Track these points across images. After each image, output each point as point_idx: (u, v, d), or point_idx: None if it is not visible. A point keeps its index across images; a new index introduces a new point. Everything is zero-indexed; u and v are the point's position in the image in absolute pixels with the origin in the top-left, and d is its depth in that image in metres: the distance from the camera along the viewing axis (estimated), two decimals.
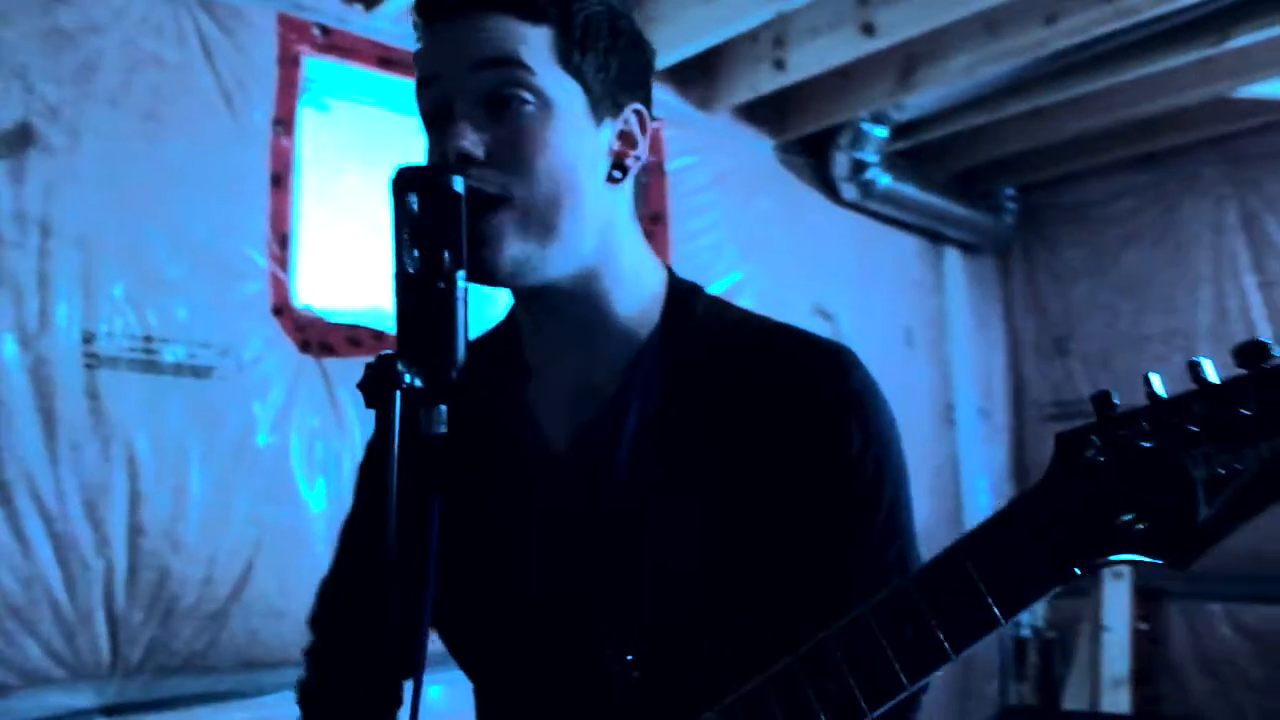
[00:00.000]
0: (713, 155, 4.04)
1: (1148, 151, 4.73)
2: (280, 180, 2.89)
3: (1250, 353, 0.79)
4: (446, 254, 0.95)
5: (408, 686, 1.34)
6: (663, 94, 3.88)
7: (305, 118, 3.05)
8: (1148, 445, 0.83)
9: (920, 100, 4.05)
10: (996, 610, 0.86)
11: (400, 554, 1.22)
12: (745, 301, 4.04)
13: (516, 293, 1.18)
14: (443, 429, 0.94)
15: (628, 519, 1.11)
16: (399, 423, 0.90)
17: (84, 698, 2.46)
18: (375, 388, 0.91)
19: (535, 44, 1.07)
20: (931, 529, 1.34)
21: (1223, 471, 0.80)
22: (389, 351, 0.93)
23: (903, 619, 0.89)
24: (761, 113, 4.20)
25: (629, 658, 1.08)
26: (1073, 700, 4.70)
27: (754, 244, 4.13)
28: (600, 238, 1.13)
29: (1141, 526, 0.83)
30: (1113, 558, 0.85)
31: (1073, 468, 0.86)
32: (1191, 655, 4.69)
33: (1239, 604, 4.60)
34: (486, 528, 1.18)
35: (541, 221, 1.08)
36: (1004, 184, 5.07)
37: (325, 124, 3.18)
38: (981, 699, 4.78)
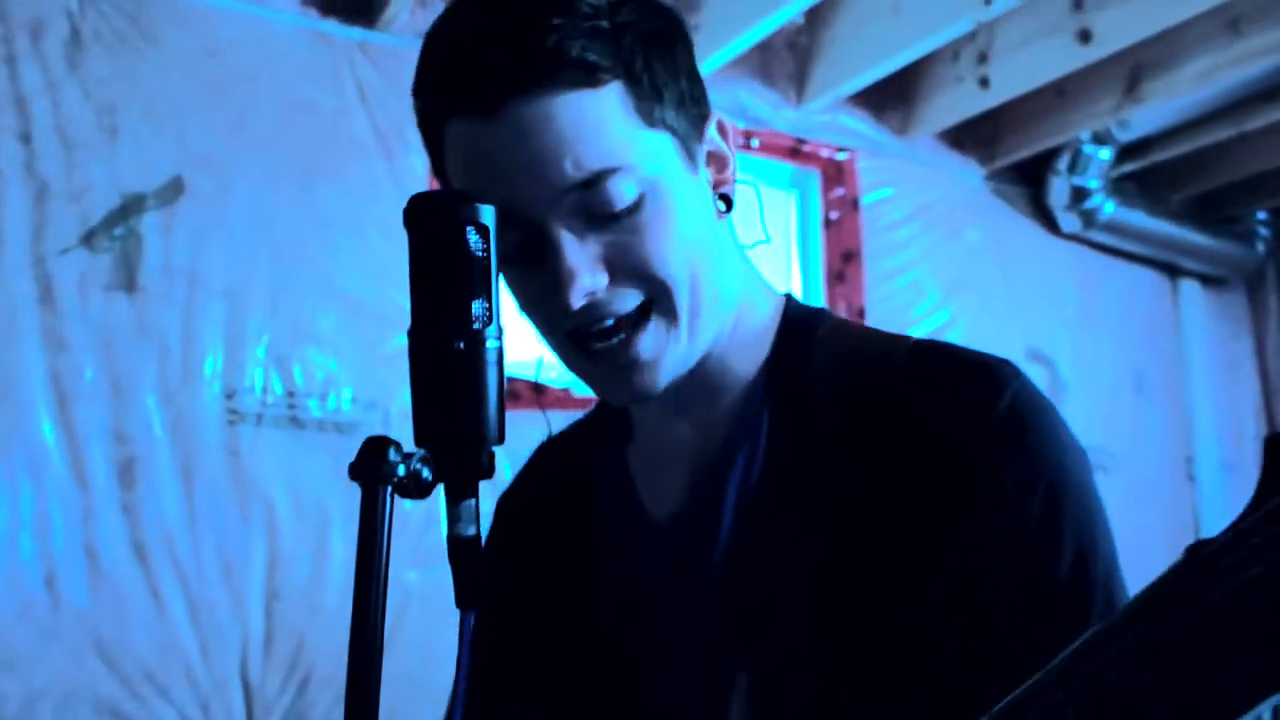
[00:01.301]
0: (913, 186, 3.71)
1: None
2: None
3: None
4: (473, 306, 0.75)
5: None
6: (856, 121, 3.59)
7: None
8: None
9: (1149, 115, 3.59)
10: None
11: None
12: None
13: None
14: (472, 530, 0.75)
15: (730, 608, 0.90)
16: (388, 523, 0.70)
17: None
18: (363, 480, 0.70)
19: (613, 118, 0.83)
20: None
21: None
22: (380, 435, 0.72)
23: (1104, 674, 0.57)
24: (968, 138, 3.84)
25: None
26: None
27: (961, 282, 3.77)
28: (726, 291, 0.92)
29: None
30: None
31: None
32: None
33: None
34: (588, 618, 0.99)
35: (690, 321, 0.88)
36: (1253, 207, 4.48)
37: None
38: None
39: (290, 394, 2.48)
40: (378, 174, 2.72)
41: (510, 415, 2.23)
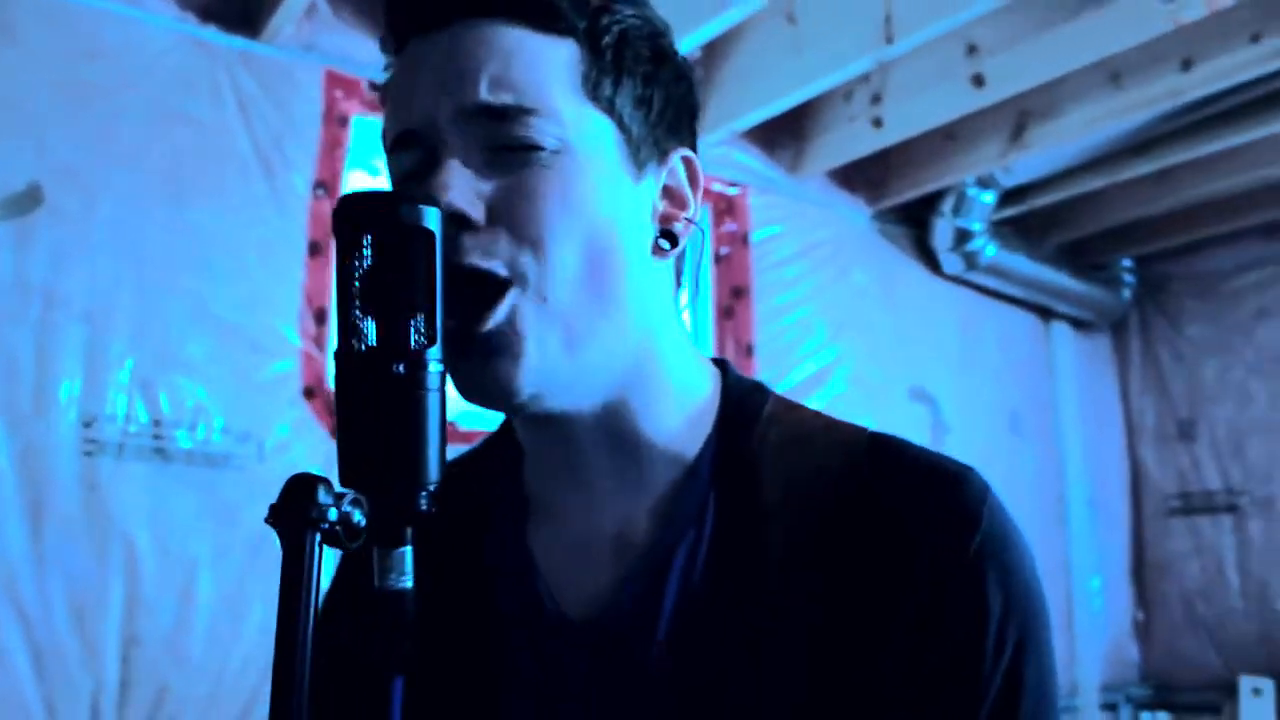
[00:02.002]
0: (803, 224, 3.72)
1: None
2: (318, 249, 2.63)
3: None
4: (413, 324, 0.65)
5: None
6: (748, 157, 3.59)
7: (352, 182, 2.79)
8: None
9: (1031, 163, 3.68)
10: None
11: None
12: (839, 385, 3.68)
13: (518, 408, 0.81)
14: (406, 582, 0.65)
15: (673, 710, 0.78)
16: (314, 575, 0.59)
17: None
18: (285, 525, 0.59)
19: (553, 67, 0.76)
20: None
21: None
22: (305, 472, 0.61)
23: None
24: (857, 177, 3.88)
25: None
26: None
27: (847, 321, 3.78)
28: (640, 331, 0.82)
29: None
30: None
31: None
32: None
33: None
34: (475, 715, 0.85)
35: (568, 315, 0.76)
36: (1120, 254, 4.65)
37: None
38: None
39: (156, 423, 2.30)
40: (257, 192, 2.56)
41: None
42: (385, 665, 0.64)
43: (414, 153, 0.77)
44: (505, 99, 0.74)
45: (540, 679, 0.83)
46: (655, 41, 0.83)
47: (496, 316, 0.73)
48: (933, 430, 3.91)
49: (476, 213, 0.73)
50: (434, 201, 0.67)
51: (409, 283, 0.65)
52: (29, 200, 2.23)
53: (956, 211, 3.89)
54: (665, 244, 0.83)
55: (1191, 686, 4.57)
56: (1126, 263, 4.72)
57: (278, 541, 0.58)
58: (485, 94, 0.74)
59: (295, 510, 0.58)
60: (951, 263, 4.04)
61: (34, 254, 2.21)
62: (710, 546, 0.81)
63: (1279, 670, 4.33)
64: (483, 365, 0.74)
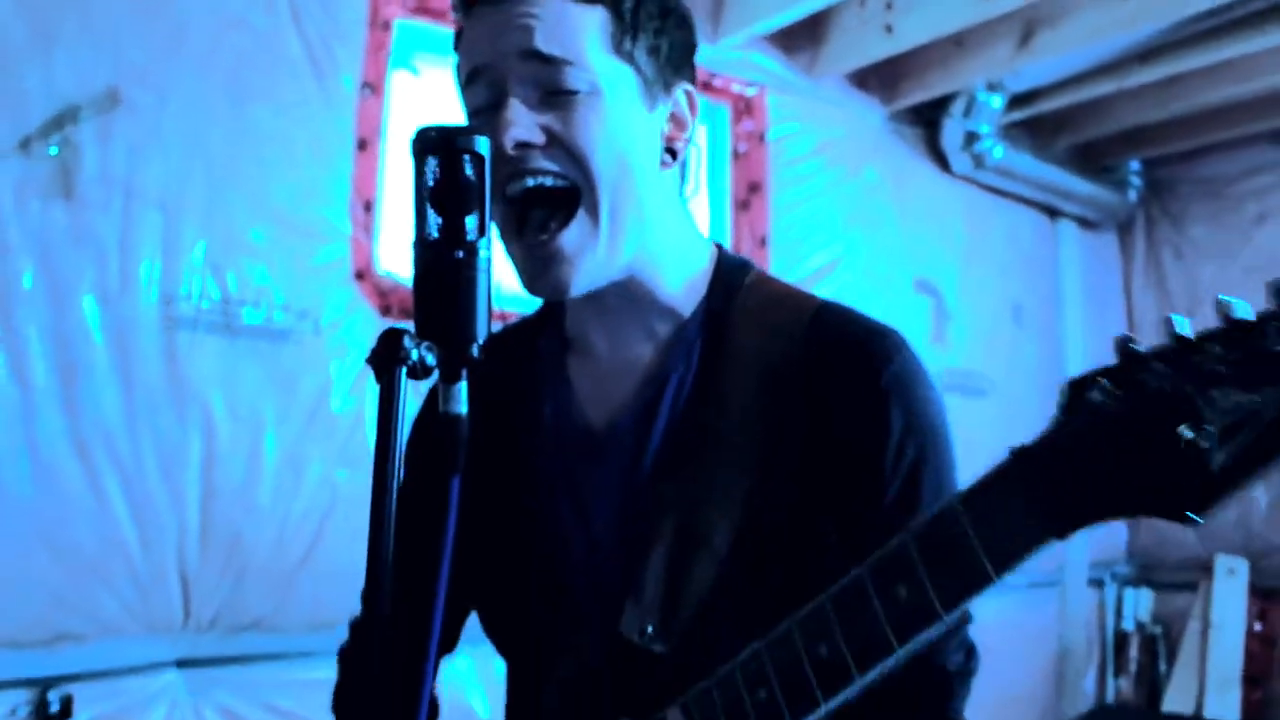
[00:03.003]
0: (818, 123, 3.91)
1: None
2: (366, 145, 2.88)
3: None
4: (468, 221, 0.88)
5: (444, 660, 1.35)
6: (767, 59, 3.76)
7: (395, 82, 3.02)
8: (1161, 387, 0.76)
9: (1040, 68, 3.84)
10: (989, 567, 0.82)
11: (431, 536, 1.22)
12: (847, 276, 3.92)
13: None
14: (461, 409, 0.88)
15: (659, 494, 1.11)
16: (403, 400, 0.83)
17: (159, 650, 2.52)
18: (380, 364, 0.84)
19: (588, 30, 1.05)
20: None
21: (1240, 414, 0.72)
22: (398, 325, 0.87)
23: (898, 577, 0.86)
24: (872, 80, 4.05)
25: (649, 630, 1.07)
26: (1176, 700, 4.51)
27: (858, 215, 4.00)
28: (653, 220, 1.12)
29: (1149, 478, 0.76)
30: (1115, 518, 0.79)
31: (1079, 415, 0.80)
32: None
33: None
34: (521, 503, 1.18)
35: (607, 214, 1.06)
36: (1128, 157, 4.81)
37: (416, 88, 3.14)
38: (1077, 694, 4.61)
39: (225, 301, 2.58)
40: (308, 93, 2.79)
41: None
42: (446, 468, 0.89)
43: (483, 89, 1.06)
44: (554, 50, 1.03)
45: (569, 471, 1.16)
46: (665, 11, 1.11)
47: (560, 241, 1.04)
48: (935, 318, 4.15)
49: (537, 138, 1.03)
50: (484, 133, 0.91)
51: (465, 191, 0.88)
52: (109, 101, 2.49)
53: (966, 114, 4.07)
54: (669, 158, 1.13)
55: (1172, 565, 4.87)
56: (1134, 165, 4.89)
57: (374, 378, 0.85)
58: (539, 44, 1.03)
59: (388, 352, 0.83)
60: (960, 162, 4.23)
61: (114, 150, 2.47)
62: (694, 379, 1.13)
63: (1253, 551, 4.62)
64: (545, 271, 1.06)
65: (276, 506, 2.65)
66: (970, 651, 1.08)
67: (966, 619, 1.07)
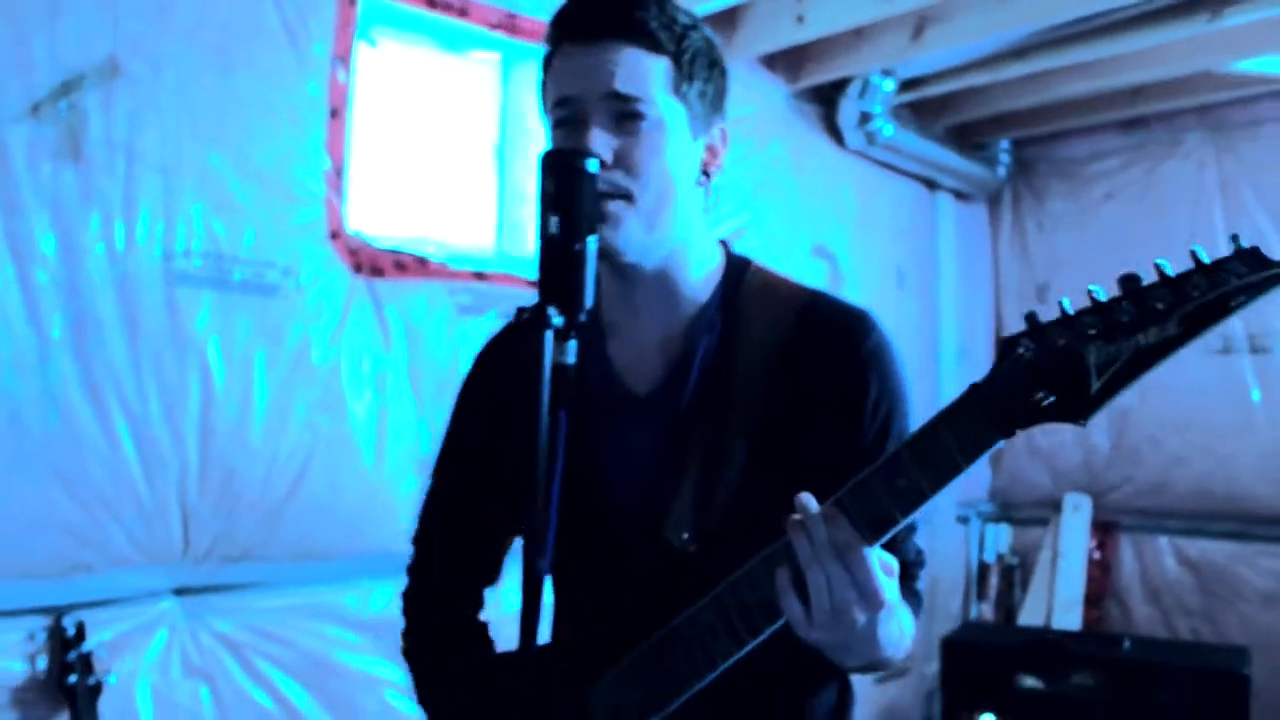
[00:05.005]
0: (730, 101, 4.21)
1: (1136, 116, 4.99)
2: (337, 113, 3.10)
3: (1127, 281, 1.10)
4: (582, 220, 1.16)
5: (488, 593, 1.67)
6: None
7: (360, 53, 3.23)
8: (1061, 344, 1.13)
9: (928, 58, 4.26)
10: (961, 460, 1.17)
11: (503, 470, 1.53)
12: (753, 240, 4.29)
13: (615, 267, 1.43)
14: (571, 359, 1.15)
15: (691, 435, 1.42)
16: (549, 354, 1.13)
17: (157, 579, 2.74)
18: (534, 328, 1.14)
19: (656, 75, 1.36)
20: None
21: (1108, 358, 1.10)
22: (533, 303, 1.15)
23: (896, 473, 1.18)
24: (779, 62, 4.40)
25: (686, 536, 1.39)
26: (1029, 619, 5.11)
27: (763, 186, 4.34)
28: (685, 226, 1.43)
29: (1054, 399, 1.13)
30: (1039, 423, 1.16)
31: (1010, 361, 1.16)
32: (1138, 582, 5.11)
33: (1184, 538, 5.01)
34: (575, 452, 1.41)
35: (651, 213, 1.37)
36: (998, 137, 5.31)
37: (374, 60, 3.37)
38: (946, 616, 5.18)
39: (219, 258, 2.79)
40: (286, 62, 2.99)
41: (400, 283, 2.88)
42: (556, 403, 1.13)
43: (568, 112, 1.36)
44: (629, 90, 1.34)
45: (616, 427, 1.47)
46: (711, 54, 1.44)
47: (614, 212, 1.34)
48: (831, 282, 4.57)
49: (609, 157, 1.33)
50: (592, 156, 1.24)
51: (581, 200, 1.19)
52: (110, 69, 2.66)
53: (861, 95, 4.47)
54: (703, 179, 1.45)
55: (1027, 504, 5.45)
56: (1004, 145, 5.37)
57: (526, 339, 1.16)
58: (618, 86, 1.34)
59: (539, 320, 1.13)
60: (855, 139, 4.63)
61: (116, 115, 2.64)
62: (715, 350, 1.46)
63: (1095, 490, 5.24)
64: (602, 234, 1.30)
65: (265, 447, 2.89)
66: (919, 551, 1.47)
67: (914, 527, 1.45)
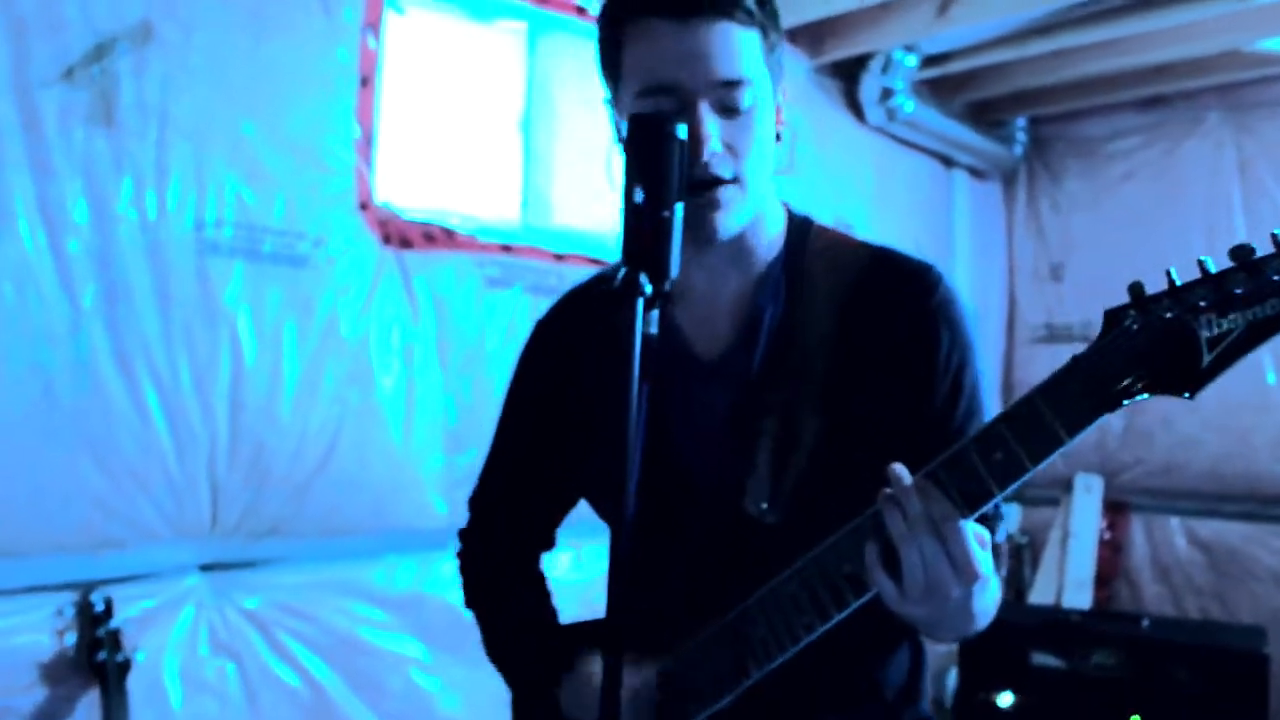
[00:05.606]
0: None
1: (1155, 94, 4.96)
2: (367, 82, 3.05)
3: (1240, 252, 1.08)
4: (669, 189, 1.12)
5: (544, 557, 1.68)
6: None
7: (390, 21, 3.18)
8: (1169, 316, 1.10)
9: (951, 35, 4.23)
10: (1064, 433, 1.14)
11: (570, 437, 1.52)
12: None
13: (696, 235, 1.37)
14: (654, 328, 1.12)
15: (763, 402, 1.40)
16: (640, 320, 1.10)
17: (185, 554, 2.71)
18: (625, 300, 1.10)
19: (753, 50, 1.31)
20: None
21: (1220, 331, 1.08)
22: (624, 271, 1.11)
23: (993, 446, 1.16)
24: (801, 36, 4.36)
25: (764, 505, 1.37)
26: (1039, 597, 5.12)
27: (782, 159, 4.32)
28: (767, 192, 1.42)
29: (1162, 372, 1.11)
30: (1145, 395, 1.13)
31: (1117, 333, 1.13)
32: (1149, 562, 5.13)
33: (1195, 518, 5.03)
34: (648, 420, 1.44)
35: (754, 192, 1.35)
36: (1016, 115, 5.28)
37: (401, 27, 3.31)
38: None
39: (250, 228, 2.75)
40: (317, 27, 2.94)
41: (428, 255, 2.84)
42: (643, 379, 1.09)
43: (668, 99, 1.29)
44: (733, 74, 1.29)
45: (684, 393, 1.45)
46: (778, 21, 1.38)
47: (723, 197, 1.30)
48: None
49: (720, 145, 1.29)
50: (684, 121, 1.18)
51: (669, 166, 1.14)
52: (142, 33, 2.61)
53: (884, 71, 4.44)
54: (777, 140, 1.40)
55: (1038, 483, 5.45)
56: (1021, 123, 5.36)
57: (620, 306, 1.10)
58: (723, 73, 1.28)
59: (632, 289, 1.09)
60: (875, 115, 4.60)
61: (149, 81, 2.58)
62: (783, 311, 1.43)
63: (1106, 470, 5.25)
64: (708, 219, 1.32)
65: (294, 421, 2.85)
66: (999, 541, 1.44)
67: (1000, 515, 1.42)
